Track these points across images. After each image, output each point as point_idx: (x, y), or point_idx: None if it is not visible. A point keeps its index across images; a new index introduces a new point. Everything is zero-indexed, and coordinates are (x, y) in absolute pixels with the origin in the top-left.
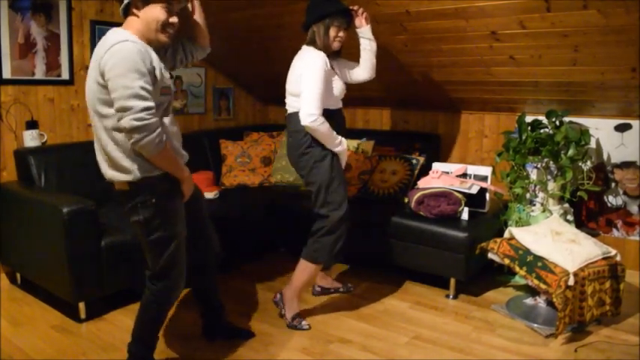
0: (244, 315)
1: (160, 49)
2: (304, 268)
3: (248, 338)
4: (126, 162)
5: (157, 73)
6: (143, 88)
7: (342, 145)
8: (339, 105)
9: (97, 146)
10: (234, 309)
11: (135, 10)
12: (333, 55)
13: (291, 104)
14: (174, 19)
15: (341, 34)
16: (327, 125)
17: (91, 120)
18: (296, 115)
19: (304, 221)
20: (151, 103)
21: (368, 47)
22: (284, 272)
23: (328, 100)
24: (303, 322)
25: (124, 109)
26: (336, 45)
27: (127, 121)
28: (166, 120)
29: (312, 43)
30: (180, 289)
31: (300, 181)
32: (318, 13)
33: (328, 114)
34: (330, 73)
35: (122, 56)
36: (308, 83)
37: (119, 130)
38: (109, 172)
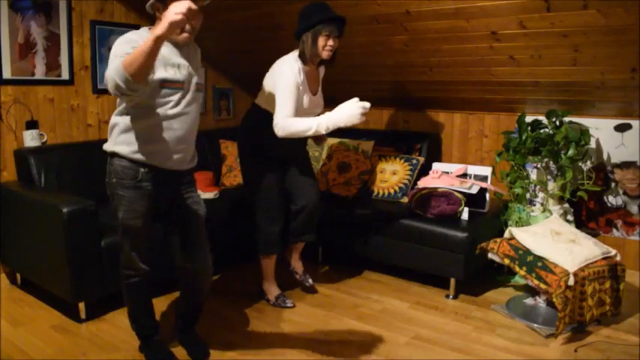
0: (243, 314)
1: (188, 46)
2: (260, 260)
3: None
4: None
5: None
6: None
7: (317, 128)
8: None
9: None
10: (234, 309)
11: (157, 13)
12: (320, 64)
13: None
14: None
15: (330, 42)
16: (294, 125)
17: None
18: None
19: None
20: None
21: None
22: (283, 272)
23: (297, 111)
24: (287, 301)
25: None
26: (325, 54)
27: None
28: (171, 111)
29: (302, 53)
30: (133, 277)
31: None
32: (306, 23)
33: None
34: (301, 84)
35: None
36: (280, 92)
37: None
38: None
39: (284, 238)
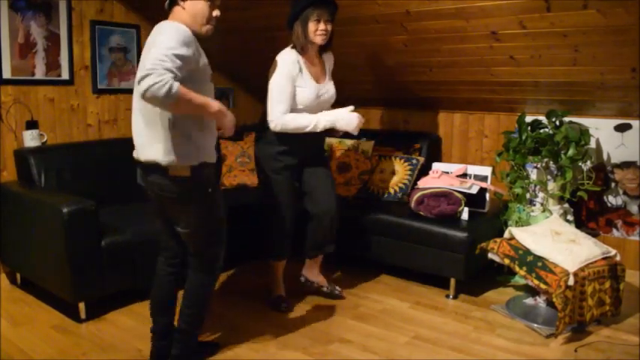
0: (244, 314)
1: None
2: (270, 263)
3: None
4: None
5: (202, 61)
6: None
7: (314, 125)
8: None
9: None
10: (234, 309)
11: (181, 2)
12: (321, 52)
13: None
14: (217, 13)
15: (322, 26)
16: (292, 122)
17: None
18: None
19: (303, 221)
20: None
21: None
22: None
23: (294, 108)
24: (283, 305)
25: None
26: (318, 39)
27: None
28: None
29: (295, 42)
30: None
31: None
32: (294, 10)
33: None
34: (299, 75)
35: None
36: (270, 88)
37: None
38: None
39: (297, 249)
